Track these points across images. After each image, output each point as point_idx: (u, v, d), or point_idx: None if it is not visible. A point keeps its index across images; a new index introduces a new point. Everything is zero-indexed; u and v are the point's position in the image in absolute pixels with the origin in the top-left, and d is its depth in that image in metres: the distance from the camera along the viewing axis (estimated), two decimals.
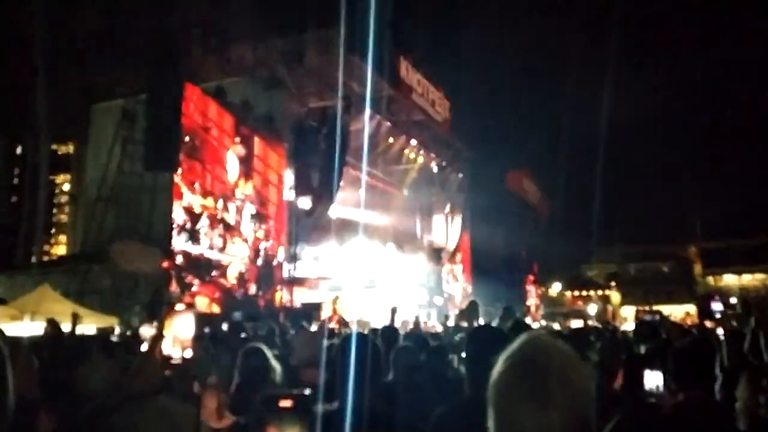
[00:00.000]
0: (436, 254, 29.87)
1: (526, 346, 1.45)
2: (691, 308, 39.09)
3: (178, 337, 2.28)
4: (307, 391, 1.70)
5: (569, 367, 1.40)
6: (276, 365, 3.29)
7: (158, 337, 2.06)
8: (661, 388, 2.87)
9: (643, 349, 4.66)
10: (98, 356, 3.77)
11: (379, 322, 18.13)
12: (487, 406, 1.44)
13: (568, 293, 49.81)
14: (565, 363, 1.40)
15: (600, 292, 49.15)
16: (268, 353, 3.30)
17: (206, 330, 7.07)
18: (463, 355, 4.08)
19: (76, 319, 8.07)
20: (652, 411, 2.78)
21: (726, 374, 3.18)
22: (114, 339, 9.93)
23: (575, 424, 1.35)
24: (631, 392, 3.08)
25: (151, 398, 1.69)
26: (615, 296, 47.63)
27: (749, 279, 48.06)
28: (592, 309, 41.46)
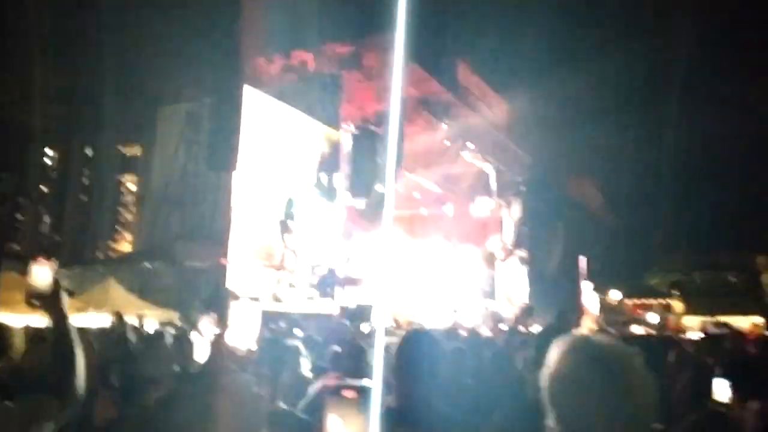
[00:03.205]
0: (491, 257, 29.57)
1: (580, 343, 1.46)
2: (759, 319, 37.37)
3: (242, 331, 2.34)
4: (369, 383, 1.72)
5: (628, 364, 1.41)
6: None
7: (224, 330, 2.11)
8: (728, 398, 2.79)
9: (709, 360, 4.50)
10: (162, 348, 3.90)
11: (432, 323, 18.11)
12: (546, 406, 1.46)
13: (628, 301, 48.40)
14: (624, 359, 1.42)
15: (662, 301, 47.53)
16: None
17: (272, 326, 7.22)
18: (523, 359, 4.04)
19: (142, 319, 8.38)
20: (721, 418, 2.70)
21: None
22: (171, 332, 10.24)
23: (640, 419, 1.36)
24: (698, 400, 2.98)
25: (214, 377, 1.74)
26: (678, 305, 45.97)
27: None
28: (654, 318, 40.16)
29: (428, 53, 19.69)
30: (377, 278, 21.81)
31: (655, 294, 48.96)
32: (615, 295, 46.80)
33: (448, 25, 22.05)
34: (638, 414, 1.35)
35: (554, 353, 1.48)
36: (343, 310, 18.37)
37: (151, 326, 11.88)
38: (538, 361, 2.76)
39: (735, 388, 2.79)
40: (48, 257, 2.00)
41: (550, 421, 1.43)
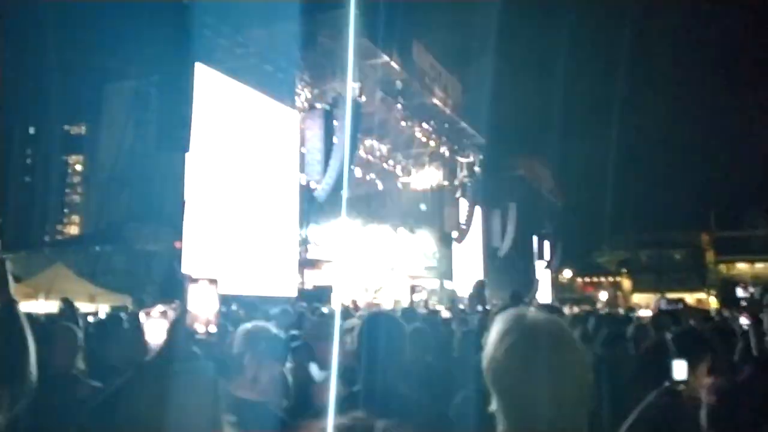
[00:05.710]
0: (447, 238, 29.84)
1: (516, 321, 1.41)
2: (703, 296, 38.93)
3: (201, 312, 2.25)
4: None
5: (563, 339, 1.37)
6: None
7: (183, 312, 2.03)
8: (685, 376, 2.83)
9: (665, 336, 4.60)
10: (115, 334, 3.77)
11: (389, 304, 18.17)
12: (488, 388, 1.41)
13: (579, 279, 49.61)
14: (558, 334, 1.37)
15: (611, 279, 48.91)
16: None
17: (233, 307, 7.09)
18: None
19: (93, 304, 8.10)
20: (680, 397, 2.74)
21: (759, 361, 3.14)
22: (123, 316, 9.97)
23: (579, 395, 1.32)
24: (655, 379, 3.04)
25: (174, 364, 1.66)
26: (626, 283, 47.39)
27: (762, 267, 47.65)
28: (603, 296, 41.37)
29: (384, 33, 19.53)
30: (335, 260, 21.76)
31: (604, 272, 50.45)
32: (566, 274, 48.03)
33: (404, 6, 21.89)
34: (574, 390, 1.31)
35: (492, 333, 1.43)
36: (301, 292, 18.28)
37: (102, 311, 11.57)
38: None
39: (691, 365, 2.84)
40: None
41: (492, 404, 1.39)
